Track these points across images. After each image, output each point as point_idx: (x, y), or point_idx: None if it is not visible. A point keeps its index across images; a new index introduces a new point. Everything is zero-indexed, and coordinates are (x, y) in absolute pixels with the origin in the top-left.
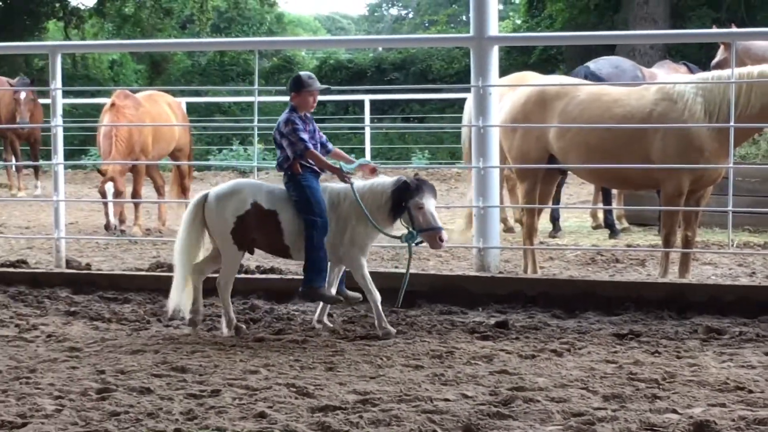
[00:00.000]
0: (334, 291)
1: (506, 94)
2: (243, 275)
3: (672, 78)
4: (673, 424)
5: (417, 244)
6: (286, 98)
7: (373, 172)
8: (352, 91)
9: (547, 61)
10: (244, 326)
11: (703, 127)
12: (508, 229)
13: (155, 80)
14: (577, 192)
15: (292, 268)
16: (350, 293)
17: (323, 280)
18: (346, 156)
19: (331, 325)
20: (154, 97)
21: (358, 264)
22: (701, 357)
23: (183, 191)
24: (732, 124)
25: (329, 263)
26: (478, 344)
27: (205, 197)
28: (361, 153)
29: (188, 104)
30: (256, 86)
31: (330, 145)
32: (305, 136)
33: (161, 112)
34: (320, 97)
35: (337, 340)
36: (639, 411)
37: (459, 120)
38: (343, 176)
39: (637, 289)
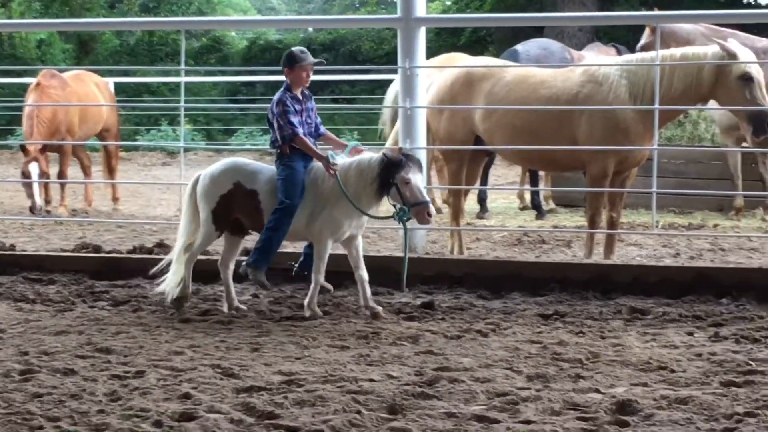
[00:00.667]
0: (364, 275)
1: (434, 75)
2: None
3: (601, 61)
4: (596, 404)
5: (408, 220)
6: (215, 78)
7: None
8: (282, 72)
9: (477, 42)
10: (186, 304)
11: (628, 109)
12: (436, 210)
13: (83, 60)
14: (505, 173)
15: (219, 249)
16: (325, 284)
17: (266, 264)
18: (336, 140)
19: (379, 309)
20: (82, 76)
21: (324, 244)
22: (625, 337)
23: (110, 172)
24: (656, 106)
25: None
26: (404, 325)
27: (199, 177)
28: None
29: (116, 84)
30: (182, 66)
31: (322, 129)
32: (295, 119)
33: (88, 92)
34: (249, 78)
35: (263, 321)
36: (562, 390)
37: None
38: (328, 167)
39: (562, 270)
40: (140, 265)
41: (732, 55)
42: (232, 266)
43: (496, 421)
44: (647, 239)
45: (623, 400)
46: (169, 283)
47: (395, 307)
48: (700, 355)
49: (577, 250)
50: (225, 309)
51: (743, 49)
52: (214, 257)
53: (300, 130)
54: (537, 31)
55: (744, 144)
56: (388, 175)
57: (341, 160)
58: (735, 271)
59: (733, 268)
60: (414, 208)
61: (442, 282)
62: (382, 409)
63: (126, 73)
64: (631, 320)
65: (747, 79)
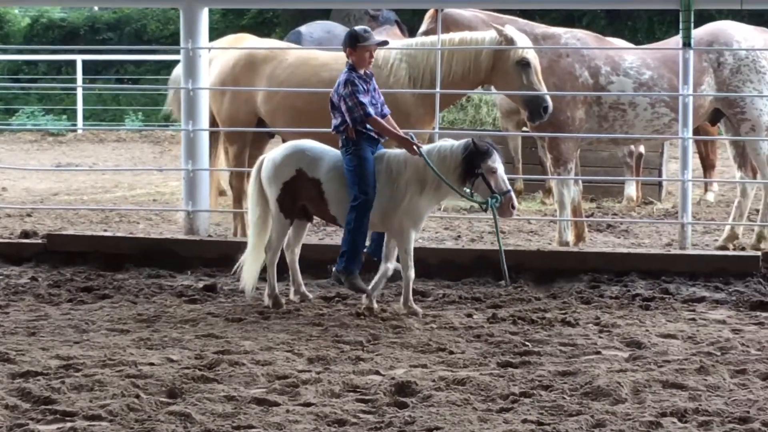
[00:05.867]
0: (391, 267)
1: (218, 56)
2: None
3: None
4: (376, 385)
5: (499, 208)
6: None
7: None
8: (65, 51)
9: (264, 24)
10: (283, 299)
11: (408, 92)
12: (221, 193)
13: None
14: None
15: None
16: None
17: (358, 267)
18: (393, 125)
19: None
20: None
21: (408, 237)
22: (405, 319)
23: None
24: (438, 90)
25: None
26: (186, 308)
27: (262, 162)
28: (73, 114)
29: None
30: None
31: (386, 109)
32: (366, 99)
33: None
34: (31, 57)
35: (42, 304)
36: (343, 373)
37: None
38: (412, 146)
39: None
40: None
41: (509, 41)
42: (298, 251)
43: (276, 404)
44: (429, 222)
45: (402, 382)
46: (246, 277)
47: (177, 290)
48: (478, 336)
49: None
50: (291, 295)
51: (520, 34)
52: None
53: (372, 111)
54: (324, 14)
55: (524, 128)
56: (474, 163)
57: (423, 147)
58: (514, 254)
59: (511, 250)
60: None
61: (224, 264)
62: (161, 393)
63: None
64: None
65: (524, 64)
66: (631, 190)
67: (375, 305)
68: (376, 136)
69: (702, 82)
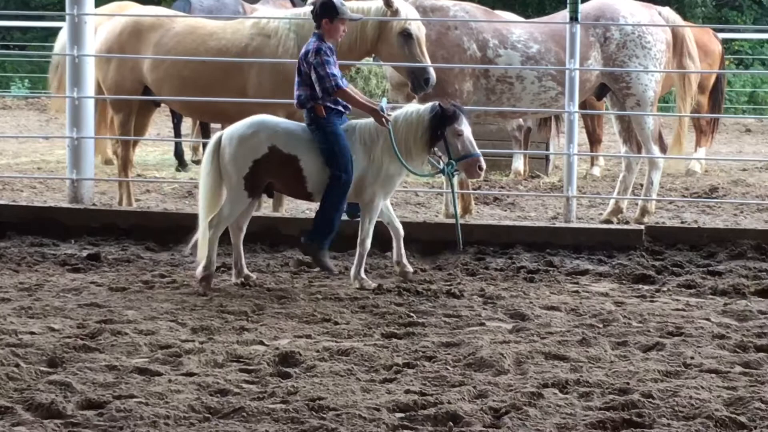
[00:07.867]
0: (400, 227)
1: (103, 23)
2: None
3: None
4: (259, 356)
5: (454, 173)
6: None
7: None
8: None
9: None
10: (214, 279)
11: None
12: (107, 161)
13: None
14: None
15: None
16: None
17: (328, 244)
18: (359, 94)
19: (410, 269)
20: None
21: (377, 207)
22: (290, 289)
23: None
24: None
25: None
26: (68, 276)
27: (220, 138)
28: None
29: None
30: None
31: (344, 81)
32: (336, 71)
33: None
34: None
35: None
36: (226, 343)
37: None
38: (381, 119)
39: None
40: None
41: (395, 11)
42: (245, 228)
43: (158, 374)
44: None
45: (286, 352)
46: (202, 251)
47: (60, 259)
48: (363, 307)
49: None
50: (233, 278)
51: (407, 5)
52: None
53: (343, 82)
54: None
55: (414, 101)
56: (440, 126)
57: (391, 112)
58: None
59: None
60: (464, 161)
61: (109, 233)
62: (41, 362)
63: None
64: (298, 273)
65: (406, 35)
66: (519, 163)
67: (410, 269)
68: (343, 109)
69: (589, 56)
